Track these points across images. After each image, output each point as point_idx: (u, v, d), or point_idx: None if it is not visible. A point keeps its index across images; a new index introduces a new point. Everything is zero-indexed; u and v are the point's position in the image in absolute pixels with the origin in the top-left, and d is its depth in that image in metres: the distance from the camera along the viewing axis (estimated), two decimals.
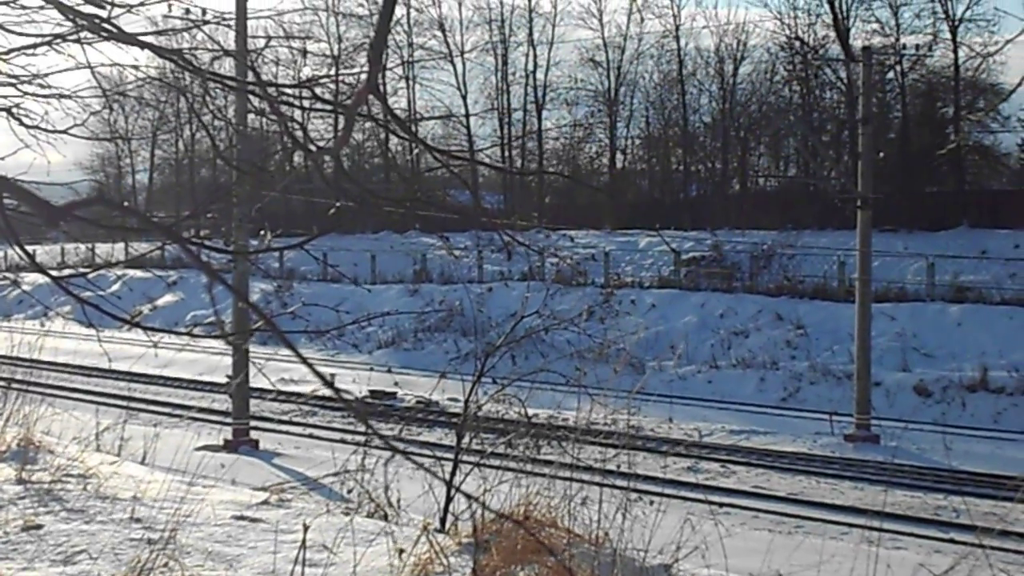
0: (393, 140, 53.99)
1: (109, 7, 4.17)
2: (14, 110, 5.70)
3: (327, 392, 2.67)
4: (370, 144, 59.01)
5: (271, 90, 4.91)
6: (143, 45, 4.08)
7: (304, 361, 2.22)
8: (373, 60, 3.11)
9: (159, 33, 5.70)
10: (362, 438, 8.41)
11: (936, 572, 5.30)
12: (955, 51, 44.15)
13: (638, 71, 54.12)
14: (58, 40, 4.88)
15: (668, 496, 6.19)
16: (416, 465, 2.68)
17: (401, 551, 5.43)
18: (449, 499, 6.79)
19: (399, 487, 7.66)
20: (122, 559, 5.44)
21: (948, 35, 44.24)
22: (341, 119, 3.88)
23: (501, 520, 5.31)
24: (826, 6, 46.28)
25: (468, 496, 4.22)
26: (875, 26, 45.87)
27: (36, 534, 5.85)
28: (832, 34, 45.28)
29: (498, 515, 5.18)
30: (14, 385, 8.96)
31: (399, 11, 54.78)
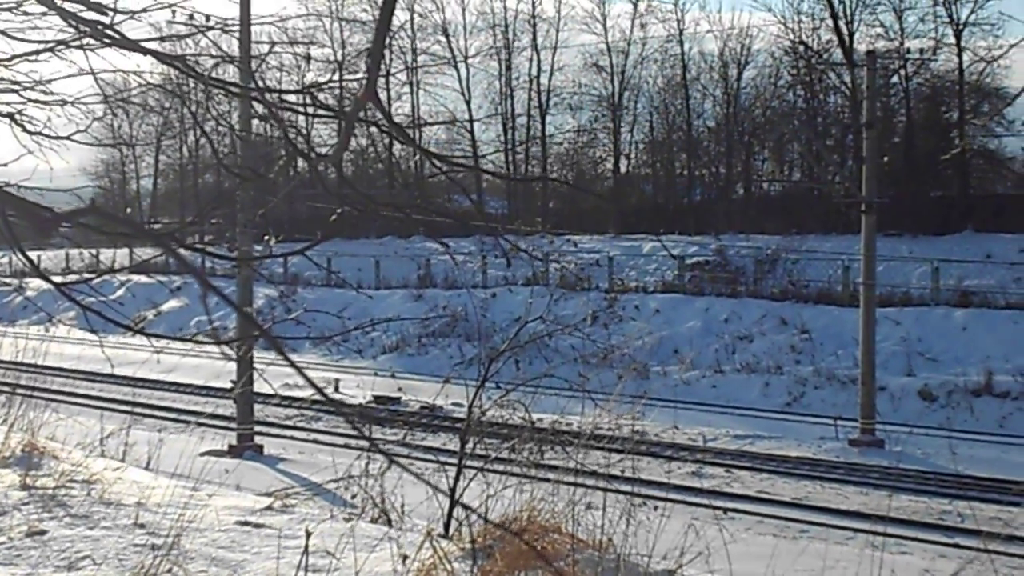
0: (397, 145, 54.05)
1: (111, 13, 4.17)
2: (17, 116, 5.71)
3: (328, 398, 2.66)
4: (373, 150, 59.07)
5: (273, 96, 4.92)
6: (145, 51, 4.08)
7: (299, 371, 2.22)
8: (372, 66, 3.11)
9: (162, 39, 5.71)
10: (366, 443, 8.41)
11: None
12: (959, 55, 44.18)
13: (642, 76, 54.22)
14: (61, 46, 4.89)
15: (672, 501, 6.19)
16: (414, 476, 2.67)
17: (404, 556, 5.42)
18: (453, 505, 6.78)
19: (403, 492, 7.65)
20: (126, 565, 5.44)
21: (952, 39, 44.29)
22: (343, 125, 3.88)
23: (503, 527, 5.30)
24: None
25: (468, 508, 4.21)
26: (879, 30, 45.97)
27: (40, 540, 5.85)
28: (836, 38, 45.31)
29: (496, 526, 5.17)
30: (19, 390, 8.96)
31: (403, 16, 54.84)
